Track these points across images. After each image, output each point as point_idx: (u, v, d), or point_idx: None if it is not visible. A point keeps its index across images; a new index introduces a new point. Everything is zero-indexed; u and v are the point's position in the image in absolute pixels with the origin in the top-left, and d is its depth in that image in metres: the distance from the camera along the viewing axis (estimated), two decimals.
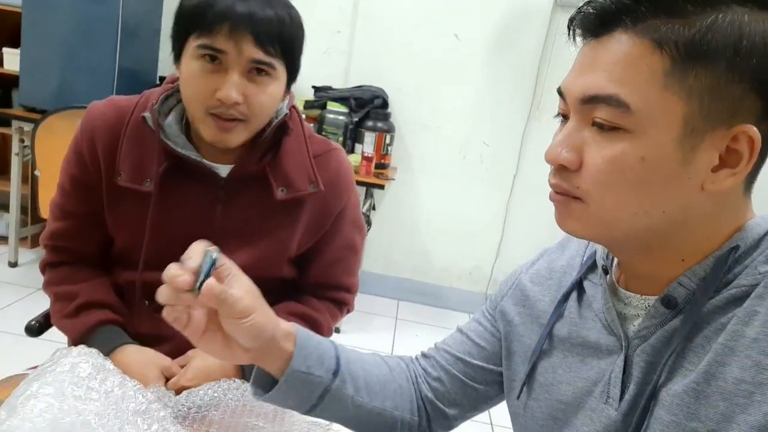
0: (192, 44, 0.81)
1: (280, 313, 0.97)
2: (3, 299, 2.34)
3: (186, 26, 0.82)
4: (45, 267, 0.97)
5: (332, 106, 2.64)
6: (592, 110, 0.49)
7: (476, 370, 0.72)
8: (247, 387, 0.80)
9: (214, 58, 0.80)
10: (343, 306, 1.08)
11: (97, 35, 2.46)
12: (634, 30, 0.47)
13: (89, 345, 0.87)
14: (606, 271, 0.61)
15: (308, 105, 2.69)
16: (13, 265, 2.67)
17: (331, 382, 0.65)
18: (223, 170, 0.91)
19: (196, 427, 0.63)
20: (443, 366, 0.74)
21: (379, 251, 3.08)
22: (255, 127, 0.88)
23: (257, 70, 0.82)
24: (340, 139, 2.61)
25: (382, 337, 2.65)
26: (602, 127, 0.49)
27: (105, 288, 0.94)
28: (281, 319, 0.63)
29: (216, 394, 0.73)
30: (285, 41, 0.82)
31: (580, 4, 0.52)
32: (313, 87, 2.75)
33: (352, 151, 2.66)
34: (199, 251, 0.53)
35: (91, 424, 0.39)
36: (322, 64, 2.83)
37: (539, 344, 0.65)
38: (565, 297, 0.64)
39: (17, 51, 2.53)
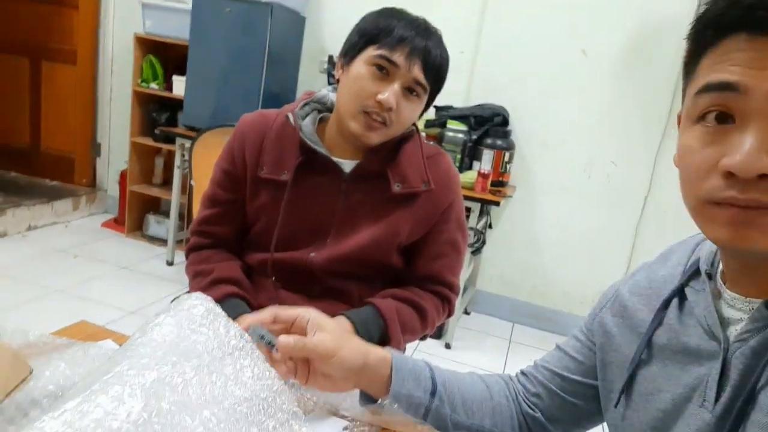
0: (371, 53, 0.98)
1: (387, 297, 1.05)
2: (161, 291, 2.72)
3: (370, 38, 0.98)
4: (189, 251, 1.15)
5: (452, 124, 2.70)
6: None
7: (574, 384, 0.72)
8: None
9: (382, 68, 0.97)
10: (445, 302, 1.14)
11: (247, 62, 2.79)
12: None
13: None
14: (710, 277, 0.59)
15: (429, 124, 2.78)
16: (170, 263, 3.09)
17: (429, 402, 0.69)
18: (347, 166, 1.05)
19: (294, 390, 0.71)
20: (542, 382, 0.75)
21: (495, 270, 3.04)
22: (393, 133, 1.02)
23: (410, 90, 0.99)
24: (458, 156, 2.65)
25: (494, 358, 2.60)
26: None
27: (236, 268, 1.09)
28: (374, 346, 0.70)
29: None
30: (439, 76, 1.03)
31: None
32: (435, 106, 2.83)
33: (469, 167, 2.68)
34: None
35: (198, 349, 0.48)
36: (445, 84, 2.91)
37: (638, 353, 0.64)
38: (666, 304, 0.63)
39: (184, 78, 2.96)
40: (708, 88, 0.48)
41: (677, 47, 2.54)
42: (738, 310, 0.55)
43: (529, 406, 0.74)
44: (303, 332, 0.67)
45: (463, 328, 2.83)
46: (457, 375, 0.75)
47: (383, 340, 1.04)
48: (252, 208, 1.09)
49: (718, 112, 0.48)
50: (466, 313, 3.04)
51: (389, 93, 0.96)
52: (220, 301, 1.02)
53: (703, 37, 0.50)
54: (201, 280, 1.07)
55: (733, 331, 0.55)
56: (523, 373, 0.79)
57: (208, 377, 0.46)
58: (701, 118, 0.50)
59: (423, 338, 1.26)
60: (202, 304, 0.53)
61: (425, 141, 1.14)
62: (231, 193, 1.10)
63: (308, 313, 0.67)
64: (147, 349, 0.46)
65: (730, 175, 0.46)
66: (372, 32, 0.99)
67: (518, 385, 0.77)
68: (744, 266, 0.54)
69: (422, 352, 2.48)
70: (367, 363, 0.67)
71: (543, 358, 0.78)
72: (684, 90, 0.56)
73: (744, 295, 0.55)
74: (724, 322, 0.56)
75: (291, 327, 0.68)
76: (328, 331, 0.66)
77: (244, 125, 1.10)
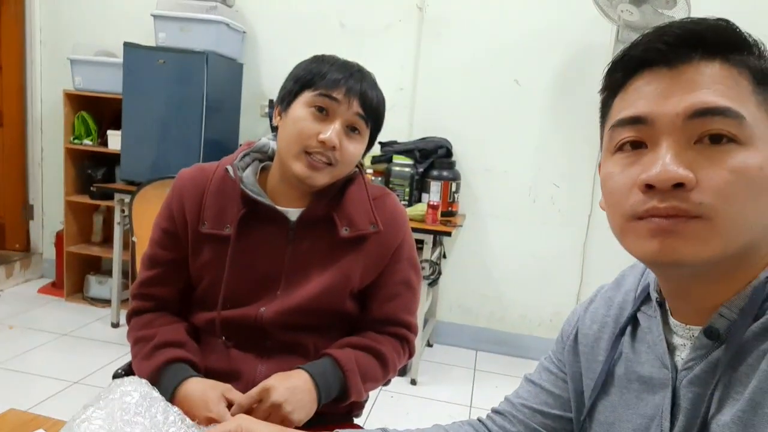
0: (308, 95, 0.98)
1: (344, 347, 1.02)
2: (106, 357, 2.56)
3: (305, 83, 0.99)
4: (130, 316, 1.08)
5: (398, 159, 2.73)
6: (701, 125, 0.48)
7: (556, 420, 0.72)
8: None
9: (322, 109, 0.97)
10: (404, 343, 1.11)
11: (186, 113, 2.74)
12: (715, 58, 0.49)
13: (160, 380, 0.96)
14: (661, 304, 0.60)
15: (375, 160, 2.79)
16: (115, 325, 2.92)
17: None
18: (292, 214, 1.03)
19: None
20: (521, 420, 0.73)
21: (453, 300, 3.04)
22: (338, 173, 1.01)
23: (352, 128, 0.99)
24: (407, 189, 2.66)
25: (460, 389, 2.57)
26: (719, 140, 0.48)
27: (180, 330, 1.03)
28: None
29: None
30: (378, 114, 1.03)
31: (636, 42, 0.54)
32: (379, 142, 2.86)
33: (418, 200, 2.70)
34: None
35: None
36: (387, 120, 2.94)
37: (598, 382, 0.64)
38: (621, 332, 0.64)
39: (119, 132, 2.86)
40: (621, 123, 0.53)
41: (603, 70, 2.68)
42: (681, 337, 0.56)
43: None
44: None
45: (427, 362, 2.79)
46: None
47: (343, 392, 1.00)
48: (195, 266, 1.04)
49: (633, 141, 0.52)
50: (429, 345, 3.01)
51: (331, 132, 0.96)
52: (163, 366, 0.97)
53: (614, 81, 0.56)
54: (143, 347, 1.01)
55: (680, 359, 0.56)
56: (497, 412, 0.77)
57: None
58: (618, 149, 0.54)
59: (386, 383, 1.23)
60: (137, 389, 0.49)
61: (369, 182, 1.13)
62: (172, 252, 1.05)
63: (239, 429, 0.65)
64: None
65: (649, 188, 0.49)
66: (306, 77, 0.99)
67: (495, 427, 0.75)
68: (677, 289, 0.56)
69: (388, 391, 2.43)
70: None
71: (516, 393, 0.76)
72: (601, 134, 0.59)
73: (685, 322, 0.56)
74: (672, 349, 0.57)
75: None
76: None
77: (182, 181, 1.06)
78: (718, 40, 0.49)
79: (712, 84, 0.49)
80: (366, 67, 1.04)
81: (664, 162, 0.48)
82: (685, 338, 0.56)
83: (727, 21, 0.51)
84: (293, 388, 0.91)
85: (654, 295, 0.61)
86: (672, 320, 0.57)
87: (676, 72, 0.50)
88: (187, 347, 1.01)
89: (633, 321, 0.63)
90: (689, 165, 0.48)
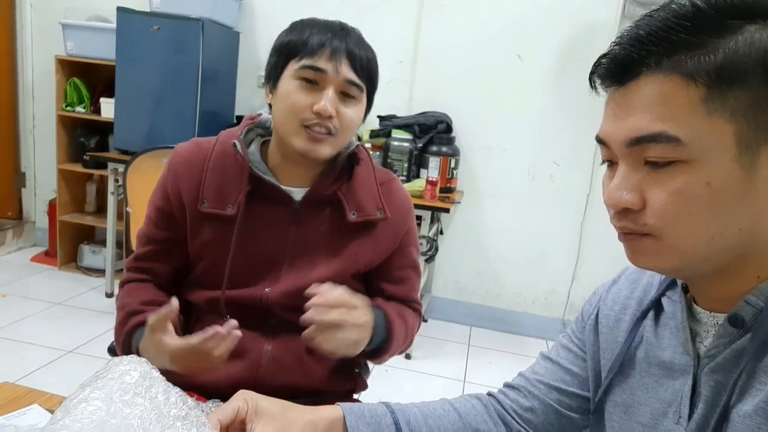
0: (293, 67, 0.92)
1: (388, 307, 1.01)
2: (100, 327, 2.55)
3: (288, 54, 0.94)
4: (120, 287, 1.06)
5: (397, 133, 2.69)
6: (641, 151, 0.49)
7: (572, 397, 0.72)
8: None
9: (311, 80, 0.92)
10: (417, 314, 1.11)
11: (180, 83, 2.68)
12: (660, 69, 0.48)
13: (131, 347, 0.94)
14: (686, 289, 0.59)
15: (374, 134, 2.75)
16: (110, 295, 2.91)
17: None
18: (297, 194, 0.99)
19: None
20: (537, 395, 0.73)
21: (449, 276, 3.05)
22: (341, 143, 0.96)
23: (346, 93, 0.94)
24: (405, 165, 2.64)
25: (454, 364, 2.59)
26: (657, 165, 0.48)
27: (160, 298, 0.99)
28: (322, 408, 0.68)
29: None
30: (371, 72, 0.97)
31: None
32: (378, 116, 2.82)
33: (417, 176, 2.68)
34: None
35: (134, 426, 0.42)
36: (386, 94, 2.89)
37: (615, 363, 0.64)
38: (643, 315, 0.64)
39: (113, 100, 2.80)
40: (596, 139, 0.55)
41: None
42: (704, 324, 0.56)
43: (520, 423, 0.73)
44: (245, 423, 0.64)
45: (422, 336, 2.81)
46: (424, 409, 0.72)
47: (385, 343, 0.99)
48: (195, 246, 1.01)
49: (606, 160, 0.55)
50: (424, 320, 3.03)
51: (325, 101, 0.90)
52: (132, 332, 0.94)
53: (597, 92, 0.55)
54: (118, 315, 0.99)
55: (703, 346, 0.55)
56: (511, 387, 0.76)
57: None
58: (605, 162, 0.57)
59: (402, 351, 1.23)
60: (136, 368, 0.47)
61: (376, 164, 1.09)
62: (167, 231, 1.02)
63: (245, 404, 0.63)
64: None
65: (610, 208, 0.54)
66: (288, 47, 0.93)
67: (507, 401, 0.75)
68: (690, 282, 0.57)
69: (383, 365, 2.45)
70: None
71: (532, 369, 0.76)
72: None
73: (709, 309, 0.55)
74: (694, 336, 0.56)
75: (234, 423, 0.64)
76: (269, 417, 0.63)
77: (178, 158, 1.01)
78: (662, 49, 0.47)
79: (648, 106, 0.48)
80: (365, 39, 0.99)
81: (610, 188, 0.51)
82: (709, 325, 0.55)
83: (680, 17, 0.46)
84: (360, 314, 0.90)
85: (680, 281, 0.60)
86: (696, 307, 0.57)
87: (625, 91, 0.50)
88: (148, 312, 0.95)
89: (657, 305, 0.63)
90: (638, 186, 0.50)
